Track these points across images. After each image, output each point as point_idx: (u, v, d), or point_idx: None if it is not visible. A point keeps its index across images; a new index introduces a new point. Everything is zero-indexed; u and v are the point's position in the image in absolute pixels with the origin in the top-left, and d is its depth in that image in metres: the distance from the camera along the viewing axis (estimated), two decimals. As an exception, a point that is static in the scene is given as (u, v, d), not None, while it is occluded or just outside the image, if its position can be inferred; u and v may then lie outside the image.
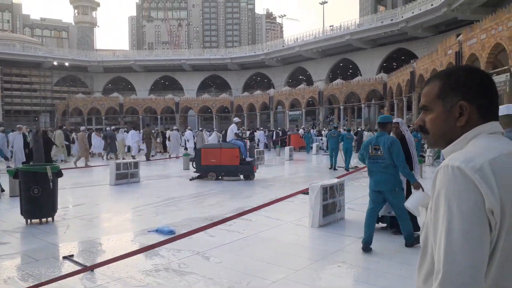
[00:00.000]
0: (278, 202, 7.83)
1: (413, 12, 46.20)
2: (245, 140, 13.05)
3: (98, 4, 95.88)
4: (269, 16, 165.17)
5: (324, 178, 8.92)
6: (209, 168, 11.32)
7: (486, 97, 1.14)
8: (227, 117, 69.83)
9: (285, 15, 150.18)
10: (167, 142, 24.05)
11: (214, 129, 29.83)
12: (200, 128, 29.36)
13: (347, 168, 14.00)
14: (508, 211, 0.98)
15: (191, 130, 27.16)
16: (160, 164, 17.68)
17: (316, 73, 66.99)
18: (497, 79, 25.13)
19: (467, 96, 1.13)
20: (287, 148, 19.38)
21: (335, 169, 14.12)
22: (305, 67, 69.47)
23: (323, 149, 24.26)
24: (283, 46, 66.37)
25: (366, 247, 4.78)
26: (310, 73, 68.79)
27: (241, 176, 11.55)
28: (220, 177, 11.34)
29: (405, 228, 4.91)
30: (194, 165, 11.77)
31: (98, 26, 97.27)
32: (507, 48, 23.59)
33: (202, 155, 11.39)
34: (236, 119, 13.51)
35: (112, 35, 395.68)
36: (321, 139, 26.43)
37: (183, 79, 78.28)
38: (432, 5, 43.07)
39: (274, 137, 28.68)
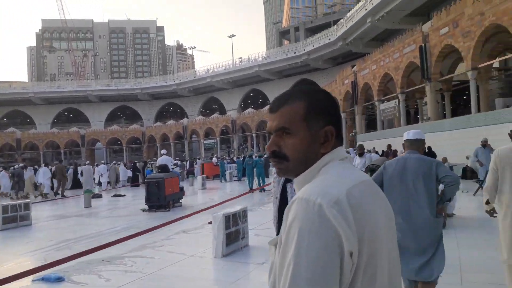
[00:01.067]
0: (184, 235, 7.62)
1: (313, 46, 49.85)
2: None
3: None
4: (179, 47, 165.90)
5: (235, 205, 8.95)
6: (170, 197, 11.75)
7: (339, 121, 1.09)
8: (138, 149, 67.48)
9: (195, 47, 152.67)
10: (79, 177, 22.41)
11: (136, 161, 28.38)
12: (114, 162, 27.88)
13: (262, 189, 15.70)
14: (365, 248, 0.88)
15: (105, 164, 25.48)
16: (59, 203, 16.28)
17: (229, 102, 68.31)
18: (387, 105, 27.89)
19: (331, 120, 1.05)
20: (199, 177, 19.19)
21: (252, 190, 15.67)
22: (217, 97, 70.50)
23: (236, 176, 24.49)
24: (194, 77, 66.85)
25: None
26: (222, 102, 69.92)
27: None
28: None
29: None
30: (151, 198, 11.50)
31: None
32: (394, 77, 26.40)
33: (166, 185, 11.48)
34: (165, 151, 14.66)
35: (9, 67, 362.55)
36: (235, 166, 26.69)
37: (89, 110, 74.36)
38: (329, 39, 46.97)
39: (188, 167, 28.25)
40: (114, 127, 66.67)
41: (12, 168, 21.42)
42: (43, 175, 18.16)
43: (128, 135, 64.60)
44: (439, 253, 3.14)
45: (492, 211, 3.72)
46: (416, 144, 3.35)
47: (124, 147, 64.01)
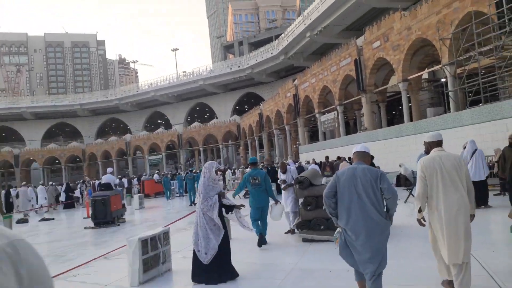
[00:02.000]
0: (104, 261, 7.06)
1: (256, 60, 50.50)
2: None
3: None
4: (122, 61, 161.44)
5: (156, 227, 8.51)
6: (114, 213, 12.39)
7: None
8: (79, 167, 64.20)
9: (137, 61, 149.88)
10: (14, 200, 20.44)
11: (68, 181, 26.35)
12: (51, 182, 26.08)
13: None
14: None
15: (43, 185, 23.37)
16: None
17: (174, 117, 67.18)
18: (327, 117, 28.58)
19: None
20: (136, 196, 18.26)
21: (194, 204, 15.71)
22: (162, 111, 69.12)
23: (177, 192, 23.76)
24: (137, 91, 65.17)
25: (261, 242, 6.86)
26: (168, 117, 68.61)
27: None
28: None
29: (265, 229, 7.14)
30: (94, 214, 12.19)
31: None
32: (332, 90, 27.14)
33: (112, 203, 12.20)
34: (110, 169, 16.67)
35: None
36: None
37: (24, 128, 69.89)
38: (271, 53, 47.82)
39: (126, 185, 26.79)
40: (51, 146, 62.98)
41: None
42: None
43: (67, 153, 61.33)
44: (385, 253, 3.58)
45: (422, 219, 3.99)
46: (363, 156, 3.81)
47: (63, 166, 60.64)
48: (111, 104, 67.63)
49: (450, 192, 3.78)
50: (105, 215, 12.02)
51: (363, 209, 3.49)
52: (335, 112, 27.44)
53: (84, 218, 15.19)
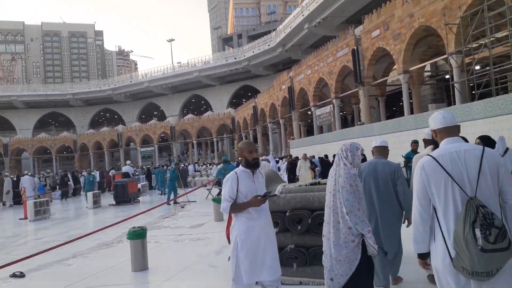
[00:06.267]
0: None
1: (253, 52, 48.92)
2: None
3: None
4: (121, 52, 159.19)
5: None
6: (131, 195, 15.55)
7: None
8: (71, 157, 62.64)
9: (132, 51, 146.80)
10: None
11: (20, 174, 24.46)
12: (29, 172, 24.35)
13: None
14: None
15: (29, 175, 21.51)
16: None
17: (169, 109, 65.70)
18: (323, 110, 27.01)
19: None
20: (90, 194, 15.55)
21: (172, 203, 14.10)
22: (157, 102, 67.67)
23: (155, 188, 21.90)
24: (131, 81, 63.60)
25: None
26: (163, 108, 67.09)
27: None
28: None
29: None
30: (115, 195, 15.64)
31: None
32: (328, 82, 25.58)
33: (128, 186, 15.43)
34: (129, 162, 22.10)
35: None
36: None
37: (15, 117, 68.35)
38: (269, 45, 46.25)
39: (98, 178, 24.07)
40: (42, 135, 61.37)
41: None
42: None
43: (58, 143, 59.74)
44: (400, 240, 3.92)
45: None
46: (382, 151, 4.03)
47: (54, 157, 59.04)
48: (105, 95, 66.06)
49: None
50: (123, 196, 15.23)
51: (385, 202, 3.75)
52: (331, 105, 25.89)
53: (20, 219, 13.21)
